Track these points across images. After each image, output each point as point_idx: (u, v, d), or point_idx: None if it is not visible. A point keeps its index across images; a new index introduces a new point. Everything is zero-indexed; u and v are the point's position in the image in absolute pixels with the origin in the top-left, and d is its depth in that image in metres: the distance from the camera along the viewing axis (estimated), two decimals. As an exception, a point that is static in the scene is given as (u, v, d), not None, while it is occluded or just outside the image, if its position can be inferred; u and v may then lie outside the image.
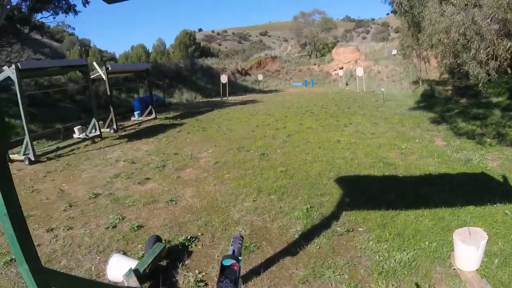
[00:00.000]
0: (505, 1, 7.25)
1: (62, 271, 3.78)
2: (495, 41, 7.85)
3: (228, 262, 0.72)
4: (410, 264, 4.11)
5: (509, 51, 8.16)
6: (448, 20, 8.24)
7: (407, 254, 4.30)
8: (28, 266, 2.04)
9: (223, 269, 0.71)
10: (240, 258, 0.69)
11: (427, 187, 6.57)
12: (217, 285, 0.68)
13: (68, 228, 5.38)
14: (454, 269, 3.97)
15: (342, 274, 3.95)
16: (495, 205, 5.52)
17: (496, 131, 10.55)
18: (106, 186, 7.38)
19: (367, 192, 6.43)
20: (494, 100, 15.77)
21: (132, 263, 3.77)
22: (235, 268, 0.71)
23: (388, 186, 6.74)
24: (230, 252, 0.68)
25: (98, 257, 4.50)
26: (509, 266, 3.98)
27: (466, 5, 8.05)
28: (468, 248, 3.69)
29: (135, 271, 3.50)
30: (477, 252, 3.69)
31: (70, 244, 4.88)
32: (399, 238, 4.73)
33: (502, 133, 10.34)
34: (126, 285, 3.32)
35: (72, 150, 10.92)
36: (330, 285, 3.80)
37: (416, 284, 3.75)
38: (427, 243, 4.57)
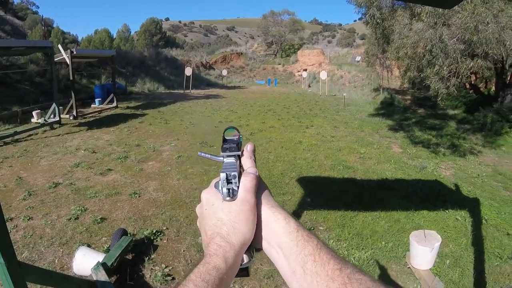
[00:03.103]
0: (472, 24, 7.64)
1: (35, 265, 3.72)
2: (459, 59, 8.26)
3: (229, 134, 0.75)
4: (368, 262, 4.36)
5: (471, 70, 8.60)
6: (417, 36, 8.59)
7: (365, 253, 4.58)
8: (4, 260, 2.01)
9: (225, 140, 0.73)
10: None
11: (384, 191, 6.88)
12: (222, 148, 0.71)
13: (28, 218, 5.21)
14: (409, 267, 4.25)
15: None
16: (447, 211, 5.91)
17: (451, 142, 11.08)
18: (67, 175, 7.19)
19: (327, 193, 6.67)
20: (451, 112, 16.50)
21: (99, 257, 3.75)
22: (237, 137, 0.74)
23: (347, 189, 7.01)
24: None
25: (61, 250, 4.41)
26: (459, 267, 4.36)
27: (435, 23, 8.41)
28: (423, 249, 3.96)
29: (103, 265, 3.50)
30: (431, 252, 3.96)
31: (31, 235, 4.75)
32: (357, 238, 5.01)
33: (456, 144, 10.87)
34: (94, 278, 3.31)
35: (30, 135, 10.52)
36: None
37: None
38: (383, 243, 4.88)
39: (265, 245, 0.65)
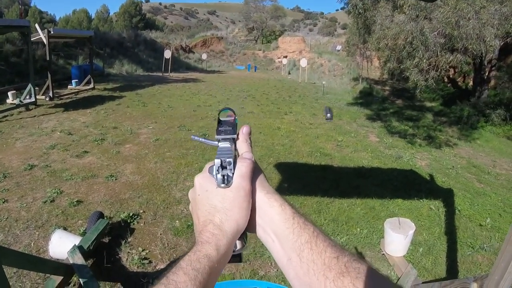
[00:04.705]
0: (454, 19, 7.74)
1: (11, 248, 3.64)
2: (438, 53, 8.37)
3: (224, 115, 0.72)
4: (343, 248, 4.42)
5: (450, 64, 8.74)
6: (398, 27, 8.67)
7: (341, 239, 4.67)
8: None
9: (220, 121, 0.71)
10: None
11: (360, 179, 7.00)
12: (217, 131, 0.69)
13: (3, 200, 5.07)
14: (383, 254, 4.35)
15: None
16: (421, 200, 6.06)
17: (427, 133, 11.31)
18: (42, 157, 7.00)
19: (304, 179, 6.74)
20: (428, 104, 16.79)
21: (75, 240, 3.68)
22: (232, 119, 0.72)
23: (324, 175, 7.11)
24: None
25: (37, 233, 4.33)
26: (432, 255, 4.48)
27: (417, 16, 8.50)
28: (398, 236, 4.04)
29: (80, 248, 3.45)
30: (405, 240, 4.06)
31: (7, 218, 4.63)
32: (333, 224, 5.10)
33: (432, 135, 11.09)
34: (71, 262, 3.25)
35: (5, 116, 10.13)
36: (270, 264, 4.00)
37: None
38: (358, 229, 4.97)
39: (260, 232, 0.63)
